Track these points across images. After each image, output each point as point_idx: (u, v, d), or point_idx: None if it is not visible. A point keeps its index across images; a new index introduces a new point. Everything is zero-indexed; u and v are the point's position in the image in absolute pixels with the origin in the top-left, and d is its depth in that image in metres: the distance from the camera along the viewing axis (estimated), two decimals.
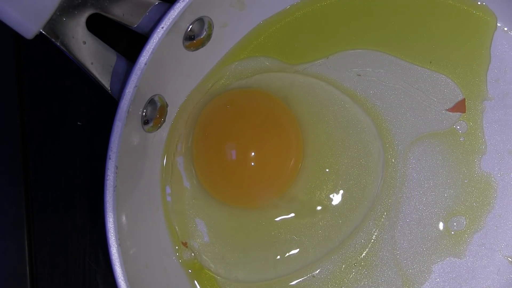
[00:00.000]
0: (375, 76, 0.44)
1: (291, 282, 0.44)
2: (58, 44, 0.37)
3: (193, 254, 0.44)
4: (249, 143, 0.43)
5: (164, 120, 0.42)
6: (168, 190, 0.44)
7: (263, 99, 0.44)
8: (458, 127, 0.44)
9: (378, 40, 0.44)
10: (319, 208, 0.43)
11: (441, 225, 0.44)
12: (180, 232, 0.44)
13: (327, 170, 0.44)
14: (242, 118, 0.44)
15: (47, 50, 0.43)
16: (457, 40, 0.44)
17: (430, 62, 0.44)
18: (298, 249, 0.44)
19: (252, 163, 0.43)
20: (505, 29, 0.44)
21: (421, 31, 0.44)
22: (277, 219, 0.44)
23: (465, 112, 0.44)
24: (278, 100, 0.44)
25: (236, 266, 0.44)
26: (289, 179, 0.43)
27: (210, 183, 0.44)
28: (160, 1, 0.39)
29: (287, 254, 0.44)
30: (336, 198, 0.44)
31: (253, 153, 0.43)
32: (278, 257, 0.44)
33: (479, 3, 0.43)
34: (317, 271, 0.44)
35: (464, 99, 0.44)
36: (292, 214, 0.44)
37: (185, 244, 0.44)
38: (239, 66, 0.44)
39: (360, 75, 0.44)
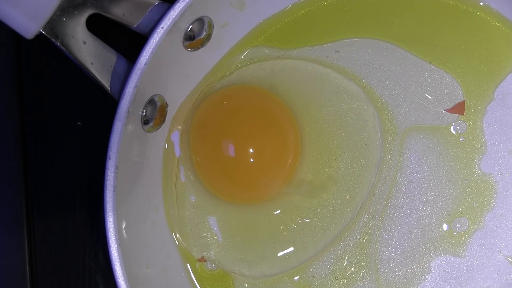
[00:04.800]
0: (355, 53, 0.44)
1: (295, 277, 0.44)
2: (58, 44, 0.37)
3: (213, 265, 0.44)
4: (247, 140, 0.43)
5: (164, 120, 0.42)
6: (173, 211, 0.44)
7: (250, 93, 0.44)
8: (458, 127, 0.44)
9: (379, 34, 0.44)
10: (327, 183, 0.44)
11: (445, 226, 0.44)
12: (194, 250, 0.44)
13: (327, 145, 0.44)
14: (235, 117, 0.44)
15: (47, 50, 0.43)
16: (457, 40, 0.44)
17: (430, 62, 0.44)
18: (311, 233, 0.44)
19: (254, 159, 0.43)
20: (504, 29, 0.44)
21: (421, 31, 0.44)
22: (289, 206, 0.44)
23: (463, 114, 0.44)
24: (265, 91, 0.44)
25: (259, 262, 0.44)
26: (292, 166, 0.44)
27: (215, 185, 0.44)
28: (160, 1, 0.39)
29: (302, 240, 0.44)
30: (342, 170, 0.44)
31: (253, 149, 0.43)
32: (296, 244, 0.44)
33: (481, 3, 0.43)
34: (317, 271, 0.44)
35: (464, 101, 0.44)
36: (303, 197, 0.44)
37: (202, 259, 0.44)
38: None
39: (338, 52, 0.44)
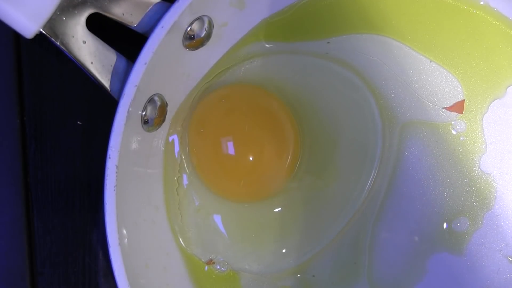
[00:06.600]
0: (356, 48, 0.44)
1: (297, 275, 0.44)
2: (58, 43, 0.37)
3: (223, 267, 0.44)
4: (246, 137, 0.43)
5: (164, 120, 0.42)
6: (176, 218, 0.44)
7: (247, 91, 0.44)
8: (457, 126, 0.44)
9: (380, 31, 0.44)
10: (329, 178, 0.44)
11: (444, 226, 0.44)
12: (201, 253, 0.44)
13: (327, 139, 0.44)
14: (233, 115, 0.44)
15: (47, 50, 0.43)
16: (457, 40, 0.44)
17: (431, 60, 0.44)
18: (314, 228, 0.44)
19: (255, 156, 0.43)
20: (503, 28, 0.44)
21: (421, 30, 0.44)
22: (291, 201, 0.44)
23: (462, 113, 0.44)
24: (262, 88, 0.44)
25: (265, 259, 0.44)
26: (293, 162, 0.44)
27: (216, 184, 0.44)
28: (160, 0, 0.39)
29: (306, 235, 0.44)
30: (342, 165, 0.44)
31: (253, 146, 0.43)
32: (301, 239, 0.44)
33: (481, 3, 0.43)
34: (316, 270, 0.44)
35: (463, 100, 0.44)
36: (305, 192, 0.44)
37: (210, 262, 0.44)
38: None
39: (329, 43, 0.44)
